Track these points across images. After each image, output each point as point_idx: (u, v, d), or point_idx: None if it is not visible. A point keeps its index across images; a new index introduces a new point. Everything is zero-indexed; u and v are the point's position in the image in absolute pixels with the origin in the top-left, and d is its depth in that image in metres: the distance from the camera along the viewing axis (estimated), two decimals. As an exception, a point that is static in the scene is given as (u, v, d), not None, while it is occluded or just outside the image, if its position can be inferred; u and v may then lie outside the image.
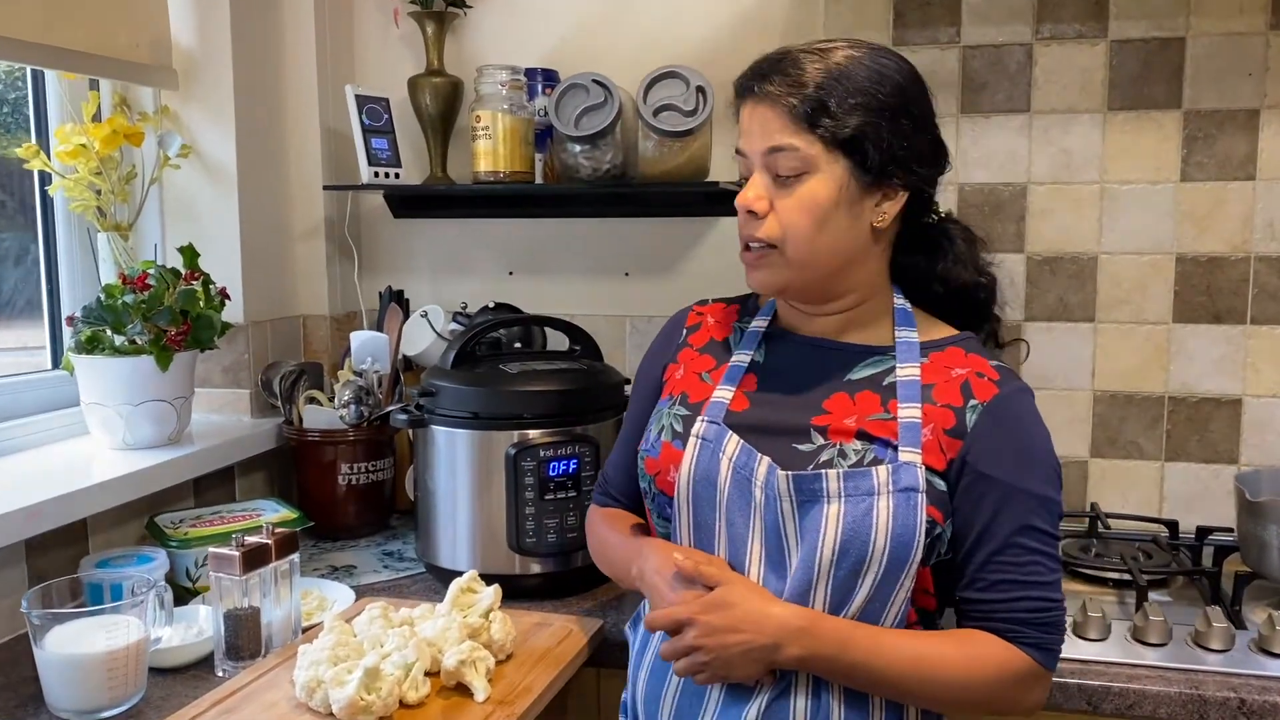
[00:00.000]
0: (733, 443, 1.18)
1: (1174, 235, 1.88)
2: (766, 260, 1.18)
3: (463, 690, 1.21)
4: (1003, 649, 1.12)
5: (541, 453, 1.57)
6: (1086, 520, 1.83)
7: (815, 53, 1.15)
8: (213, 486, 1.86)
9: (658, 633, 1.20)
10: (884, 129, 1.13)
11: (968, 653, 1.12)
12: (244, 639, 1.34)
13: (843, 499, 1.11)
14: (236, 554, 1.32)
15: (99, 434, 1.71)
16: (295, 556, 1.41)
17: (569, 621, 1.47)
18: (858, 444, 1.14)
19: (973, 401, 1.14)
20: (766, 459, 1.16)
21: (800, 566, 1.12)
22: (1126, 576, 1.58)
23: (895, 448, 1.12)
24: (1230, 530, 1.73)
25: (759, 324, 1.30)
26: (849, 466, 1.13)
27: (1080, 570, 1.64)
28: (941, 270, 1.24)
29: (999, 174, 1.94)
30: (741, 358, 1.27)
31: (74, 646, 1.22)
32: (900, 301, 1.24)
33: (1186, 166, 1.86)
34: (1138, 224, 1.89)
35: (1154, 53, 1.85)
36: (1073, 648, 1.39)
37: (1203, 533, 1.74)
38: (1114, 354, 1.92)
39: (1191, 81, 1.84)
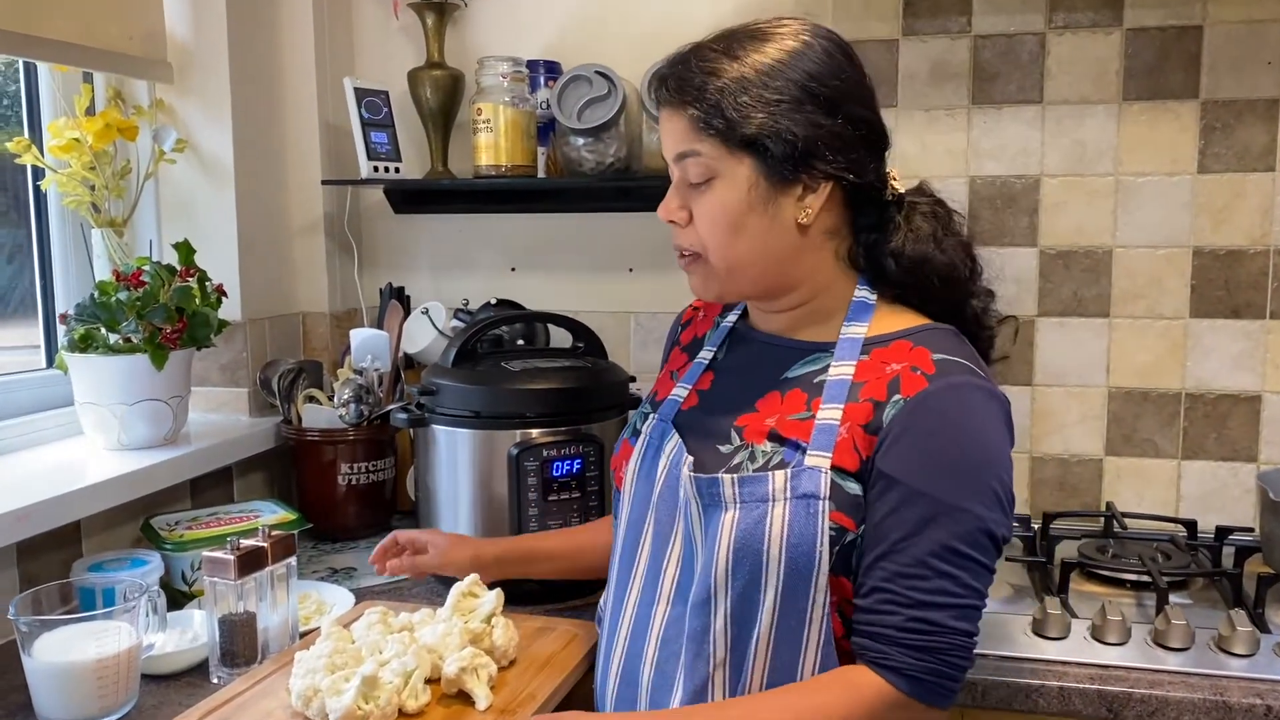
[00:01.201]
0: (672, 441, 1.18)
1: (1191, 228, 1.83)
2: (696, 267, 1.16)
3: (464, 698, 1.17)
4: (861, 676, 1.03)
5: (545, 452, 1.53)
6: (1102, 520, 1.79)
7: (715, 48, 1.10)
8: (210, 487, 1.83)
9: (607, 632, 1.23)
10: (785, 123, 1.06)
11: (810, 702, 1.02)
12: (239, 645, 1.31)
13: (738, 505, 1.06)
14: (231, 558, 1.28)
15: (93, 434, 1.68)
16: (292, 560, 1.37)
17: (573, 626, 1.42)
18: (768, 446, 1.09)
19: (896, 396, 1.05)
20: (690, 459, 1.13)
21: (701, 574, 1.09)
22: (1145, 578, 1.54)
23: (805, 450, 1.06)
24: (1250, 530, 1.70)
25: (729, 320, 1.28)
26: (756, 469, 1.08)
27: (1097, 571, 1.59)
28: (893, 247, 1.14)
29: (1011, 166, 1.90)
30: (704, 355, 1.26)
31: (63, 654, 1.18)
32: (861, 294, 1.16)
33: (1204, 158, 1.82)
34: (1154, 217, 1.85)
35: (1170, 41, 1.81)
36: (1091, 652, 1.35)
37: (1222, 533, 1.70)
38: (1129, 350, 1.88)
39: (1209, 71, 1.80)
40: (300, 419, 1.87)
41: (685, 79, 1.10)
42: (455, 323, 1.96)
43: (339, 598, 1.55)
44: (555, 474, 1.54)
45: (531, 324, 1.90)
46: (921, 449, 1.03)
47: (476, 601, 1.31)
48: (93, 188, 1.78)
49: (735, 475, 1.08)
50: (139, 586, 1.27)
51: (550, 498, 1.54)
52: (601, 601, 1.33)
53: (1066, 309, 1.90)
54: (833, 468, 1.05)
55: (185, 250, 1.71)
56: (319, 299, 2.10)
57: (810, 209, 1.10)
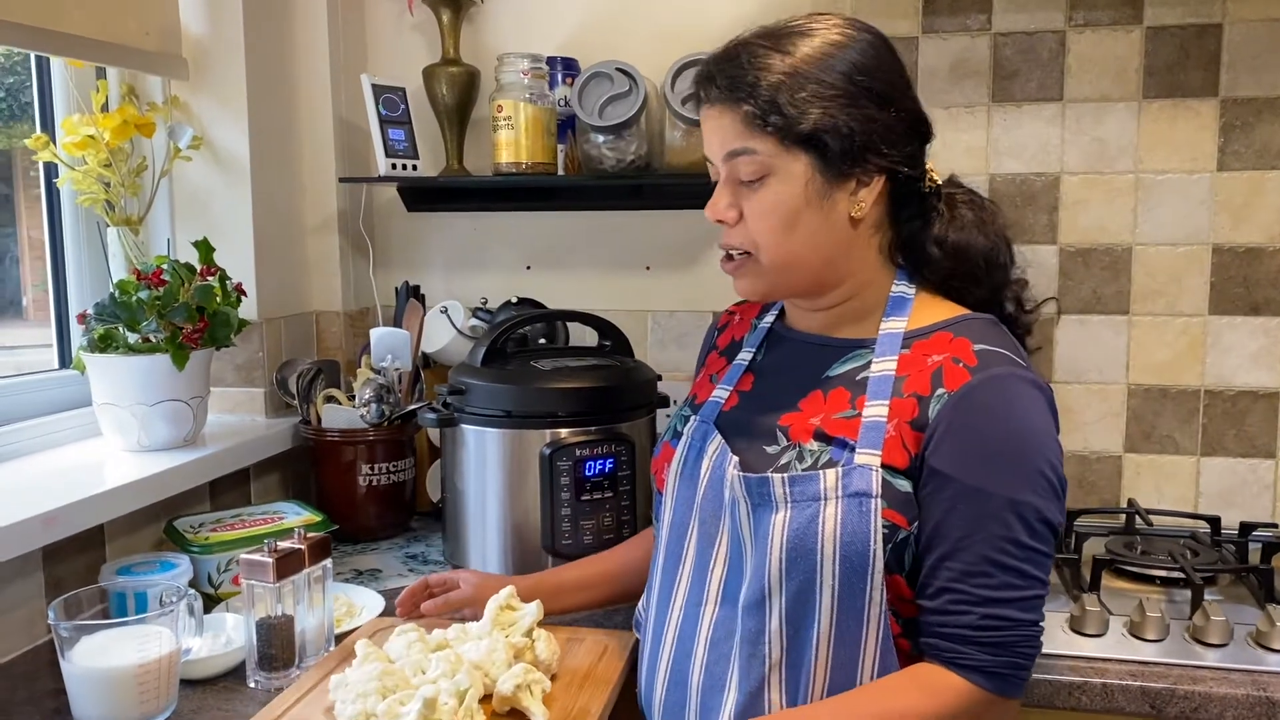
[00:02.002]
0: (714, 442, 1.17)
1: (1210, 225, 1.84)
2: (746, 268, 1.14)
3: (515, 715, 1.15)
4: (939, 677, 1.03)
5: (577, 452, 1.52)
6: (1124, 517, 1.80)
7: (764, 44, 1.09)
8: (228, 489, 1.80)
9: (652, 635, 1.21)
10: (842, 118, 1.06)
11: (892, 708, 1.02)
12: (277, 648, 1.29)
13: (789, 505, 1.06)
14: (269, 560, 1.26)
15: (112, 436, 1.65)
16: (328, 562, 1.35)
17: (602, 636, 1.38)
18: (814, 445, 1.09)
19: (939, 390, 1.05)
20: (735, 459, 1.13)
21: (754, 575, 1.08)
22: (1176, 574, 1.54)
23: (853, 448, 1.06)
24: (1274, 525, 1.71)
25: (768, 320, 1.27)
26: (804, 469, 1.07)
27: (1126, 568, 1.60)
28: (937, 233, 1.15)
29: (1031, 164, 1.90)
30: (744, 356, 1.25)
31: (103, 659, 1.16)
32: (899, 288, 1.15)
33: (1223, 155, 1.83)
34: (1173, 214, 1.86)
35: (1190, 39, 1.82)
36: (1130, 649, 1.36)
37: (1246, 528, 1.71)
38: (1149, 347, 1.89)
39: (1229, 69, 1.81)
40: (320, 419, 1.85)
41: (736, 76, 1.08)
42: (474, 321, 1.94)
43: (368, 600, 1.53)
44: (588, 474, 1.53)
45: (552, 322, 1.89)
46: (971, 444, 1.03)
47: (515, 615, 1.27)
48: (108, 185, 1.75)
49: (785, 474, 1.07)
50: (176, 590, 1.25)
51: (583, 498, 1.53)
52: (641, 605, 1.32)
53: (1086, 306, 1.90)
54: (883, 465, 1.05)
55: (205, 249, 1.68)
56: (333, 298, 2.07)
57: (864, 203, 1.10)
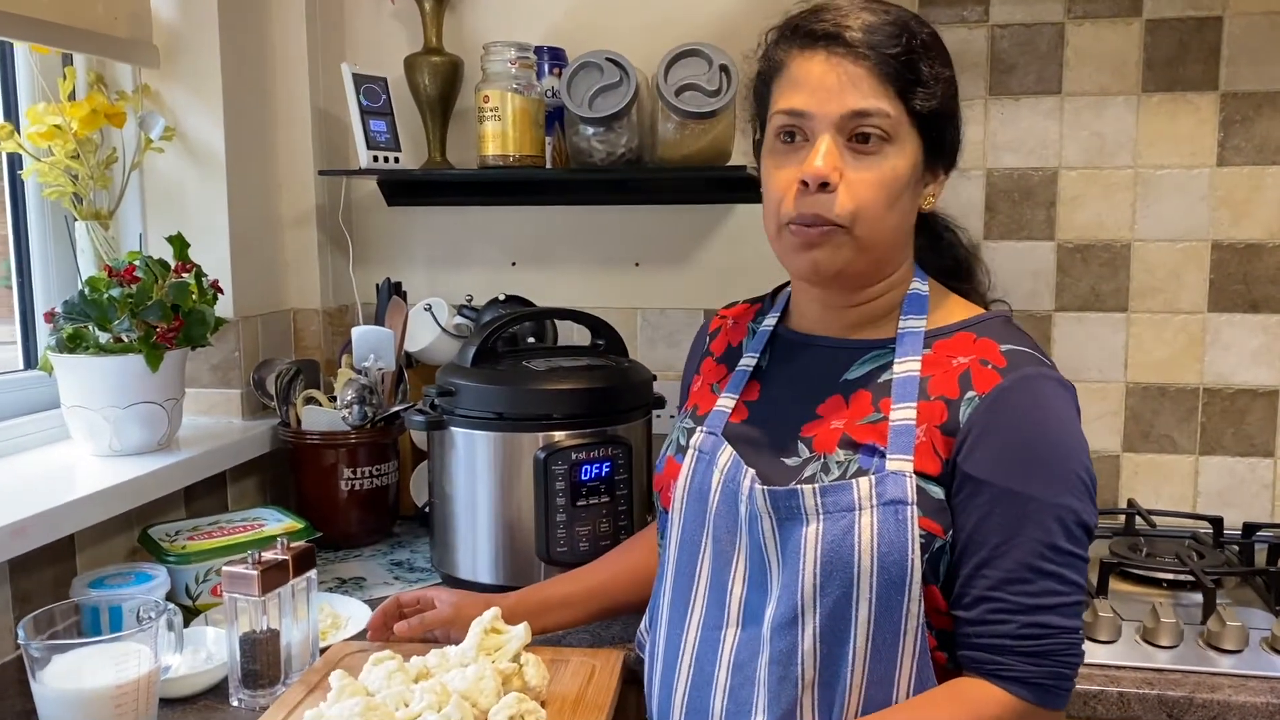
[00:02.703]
0: (725, 454, 1.11)
1: (1210, 222, 1.82)
2: (831, 239, 1.03)
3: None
4: (979, 690, 0.99)
5: (573, 455, 1.46)
6: (1123, 517, 1.77)
7: (878, 9, 1.03)
8: (203, 495, 1.73)
9: (664, 660, 1.15)
10: (954, 107, 1.07)
11: (933, 715, 0.98)
12: (262, 664, 1.22)
13: (821, 517, 1.01)
14: (254, 573, 1.20)
15: (82, 440, 1.58)
16: (313, 573, 1.29)
17: (586, 657, 1.29)
18: (841, 454, 1.03)
19: (969, 394, 1.01)
20: (751, 472, 1.07)
21: (784, 593, 1.02)
22: (1184, 577, 1.51)
23: (883, 455, 1.01)
24: (1278, 526, 1.68)
25: (768, 323, 1.20)
26: (832, 480, 1.02)
27: (1131, 570, 1.56)
28: (966, 240, 1.19)
29: (1029, 158, 1.86)
30: (746, 363, 1.19)
31: (78, 680, 1.09)
32: (917, 286, 1.12)
33: (1223, 150, 1.80)
34: (1172, 210, 1.83)
35: (1190, 33, 1.79)
36: (1143, 655, 1.32)
37: (1249, 529, 1.68)
38: (1147, 345, 1.86)
39: (1229, 62, 1.78)
40: (299, 421, 1.78)
41: (883, 33, 1.01)
42: (459, 319, 1.88)
43: (353, 610, 1.47)
44: (584, 478, 1.47)
45: (541, 321, 1.83)
46: (1006, 447, 0.99)
47: (501, 638, 1.19)
48: (76, 177, 1.67)
49: (816, 485, 1.02)
50: (156, 605, 1.18)
51: (579, 503, 1.47)
52: (643, 627, 1.26)
53: (1084, 303, 1.87)
54: (915, 472, 1.00)
55: (180, 244, 1.61)
56: (311, 295, 2.00)
57: (933, 198, 1.10)
